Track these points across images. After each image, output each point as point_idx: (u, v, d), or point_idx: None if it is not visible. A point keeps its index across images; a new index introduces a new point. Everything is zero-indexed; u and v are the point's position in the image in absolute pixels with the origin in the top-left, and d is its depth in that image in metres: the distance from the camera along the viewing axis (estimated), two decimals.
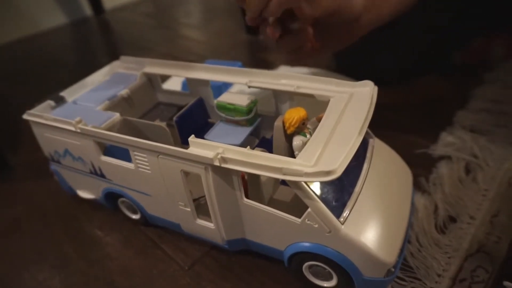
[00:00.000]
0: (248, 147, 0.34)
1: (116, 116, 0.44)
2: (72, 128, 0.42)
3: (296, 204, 0.34)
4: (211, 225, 0.40)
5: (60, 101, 0.48)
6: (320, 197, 0.32)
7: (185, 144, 0.38)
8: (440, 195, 0.47)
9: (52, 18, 1.36)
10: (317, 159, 0.31)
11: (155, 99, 0.55)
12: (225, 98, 0.44)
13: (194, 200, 0.40)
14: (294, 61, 0.50)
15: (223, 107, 0.44)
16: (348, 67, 0.68)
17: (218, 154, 0.33)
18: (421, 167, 0.50)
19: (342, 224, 0.32)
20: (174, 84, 0.65)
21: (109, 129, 0.42)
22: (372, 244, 0.32)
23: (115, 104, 0.48)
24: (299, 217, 0.34)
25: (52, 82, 0.94)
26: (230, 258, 0.43)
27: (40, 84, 0.95)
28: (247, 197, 0.36)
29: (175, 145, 0.37)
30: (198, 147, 0.35)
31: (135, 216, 0.49)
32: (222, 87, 0.57)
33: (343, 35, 0.51)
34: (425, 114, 0.62)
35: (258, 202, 0.36)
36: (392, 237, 0.34)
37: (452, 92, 0.66)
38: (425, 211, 0.45)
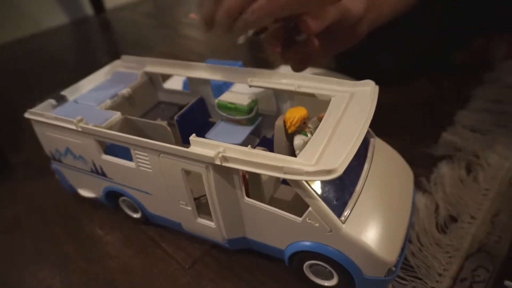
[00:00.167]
0: (249, 146, 0.34)
1: (117, 115, 0.44)
2: (73, 127, 0.42)
3: (297, 203, 0.34)
4: (211, 224, 0.40)
5: (61, 100, 0.48)
6: (321, 196, 0.32)
7: (186, 143, 0.38)
8: (441, 194, 0.47)
9: (52, 17, 1.36)
10: (318, 158, 0.31)
11: (156, 98, 0.56)
12: (226, 97, 0.44)
13: (195, 199, 0.40)
14: (299, 70, 0.50)
15: (224, 107, 0.44)
16: (348, 67, 0.68)
17: (219, 153, 0.33)
18: (422, 166, 0.50)
19: (343, 223, 0.32)
20: (175, 83, 0.65)
21: (110, 128, 0.42)
22: (373, 243, 0.32)
23: (116, 103, 0.48)
24: (300, 216, 0.34)
25: (52, 81, 0.94)
26: (231, 257, 0.43)
27: (41, 83, 0.95)
28: (248, 196, 0.36)
29: (176, 144, 0.37)
30: (199, 146, 0.35)
31: (135, 215, 0.49)
32: (223, 87, 0.57)
33: (345, 37, 0.51)
34: (426, 113, 0.62)
35: (259, 201, 0.36)
36: (393, 236, 0.34)
37: (452, 92, 0.66)
38: (426, 211, 0.45)
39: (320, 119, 0.37)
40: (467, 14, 0.63)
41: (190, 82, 0.50)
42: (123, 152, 0.42)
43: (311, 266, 0.37)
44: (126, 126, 0.45)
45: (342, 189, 0.35)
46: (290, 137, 0.38)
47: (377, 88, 0.38)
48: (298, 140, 0.37)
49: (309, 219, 0.33)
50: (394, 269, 0.34)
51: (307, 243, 0.35)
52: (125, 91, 0.49)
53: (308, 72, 0.51)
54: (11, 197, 0.58)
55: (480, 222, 0.43)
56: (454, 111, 0.60)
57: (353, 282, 0.35)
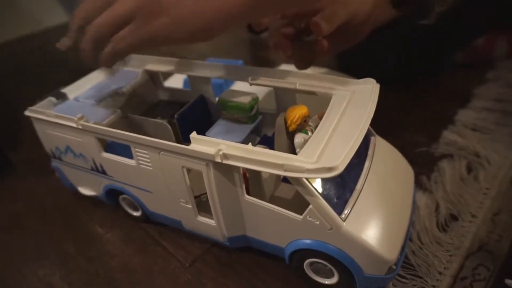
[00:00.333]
0: (250, 144, 0.34)
1: (118, 113, 0.44)
2: (74, 125, 0.42)
3: (298, 201, 0.34)
4: (212, 222, 0.40)
5: (62, 98, 0.48)
6: (321, 194, 0.32)
7: (186, 141, 0.38)
8: (441, 193, 0.47)
9: (52, 16, 1.36)
10: (319, 156, 0.31)
11: (157, 96, 0.55)
12: (227, 95, 0.44)
13: (195, 197, 0.40)
14: (304, 68, 0.50)
15: (225, 105, 0.44)
16: (349, 66, 0.68)
17: (219, 150, 0.33)
18: (422, 165, 0.50)
19: (344, 221, 0.32)
20: (176, 81, 0.65)
21: (110, 126, 0.42)
22: (373, 241, 0.32)
23: (117, 101, 0.48)
24: (301, 214, 0.34)
25: (52, 80, 0.93)
26: (231, 256, 0.43)
27: (41, 82, 0.95)
28: (248, 194, 0.36)
29: (176, 142, 0.37)
30: (199, 143, 0.35)
31: (136, 213, 0.49)
32: (223, 85, 0.57)
33: (348, 37, 0.51)
34: (427, 112, 0.62)
35: (259, 199, 0.36)
36: (393, 234, 0.34)
37: (454, 90, 0.66)
38: (426, 209, 0.45)
39: (320, 117, 0.37)
40: (468, 13, 0.63)
41: (190, 80, 0.50)
42: (124, 150, 0.41)
43: (311, 264, 0.37)
44: (126, 124, 0.45)
45: (342, 187, 0.35)
46: (290, 135, 0.38)
47: (378, 86, 0.38)
48: (298, 138, 0.37)
49: (309, 217, 0.33)
50: (394, 267, 0.34)
51: (308, 241, 0.35)
52: (126, 89, 0.49)
53: (309, 71, 0.51)
54: (11, 196, 0.58)
55: (480, 221, 0.43)
56: (456, 110, 0.60)
57: (353, 280, 0.35)
